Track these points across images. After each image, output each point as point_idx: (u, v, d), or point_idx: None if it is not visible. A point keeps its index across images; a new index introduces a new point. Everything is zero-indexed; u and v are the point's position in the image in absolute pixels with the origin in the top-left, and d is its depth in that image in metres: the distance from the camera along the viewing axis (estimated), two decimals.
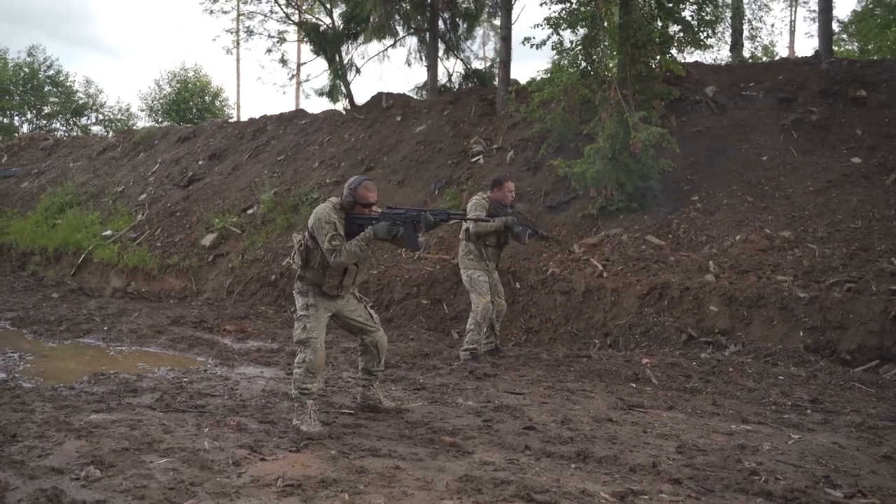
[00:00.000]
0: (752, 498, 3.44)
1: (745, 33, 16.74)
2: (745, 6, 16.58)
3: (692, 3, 9.93)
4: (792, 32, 25.42)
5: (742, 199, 9.23)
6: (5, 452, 3.85)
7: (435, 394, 5.47)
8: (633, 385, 5.95)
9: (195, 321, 8.81)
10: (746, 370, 6.43)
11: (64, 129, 27.62)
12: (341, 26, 15.17)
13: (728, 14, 17.08)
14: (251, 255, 11.86)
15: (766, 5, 18.13)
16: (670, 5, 9.59)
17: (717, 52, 18.46)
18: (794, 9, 24.26)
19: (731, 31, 16.51)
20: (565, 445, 4.19)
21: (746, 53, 16.84)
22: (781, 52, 24.44)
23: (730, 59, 15.75)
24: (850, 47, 22.15)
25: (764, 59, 19.86)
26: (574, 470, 3.79)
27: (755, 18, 17.04)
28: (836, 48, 18.13)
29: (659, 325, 7.95)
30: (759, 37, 17.28)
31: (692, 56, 12.92)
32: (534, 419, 4.73)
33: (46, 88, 27.62)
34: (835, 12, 16.58)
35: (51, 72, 27.75)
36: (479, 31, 16.66)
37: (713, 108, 10.91)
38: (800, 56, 14.59)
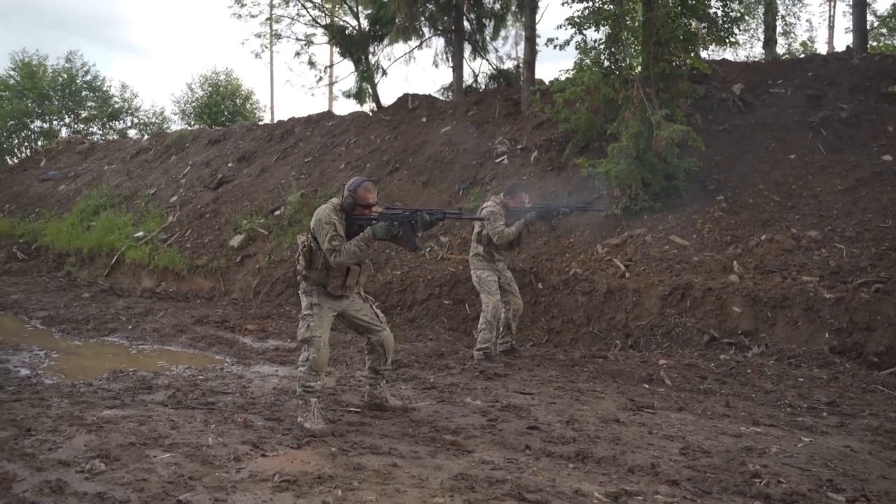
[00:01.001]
0: (750, 500, 3.40)
1: (779, 29, 16.49)
2: (778, 2, 16.34)
3: (717, 0, 9.81)
4: (831, 27, 24.93)
5: (768, 198, 9.08)
6: (18, 445, 3.99)
7: (444, 393, 5.50)
8: (647, 386, 5.90)
9: (218, 321, 8.97)
10: (765, 372, 6.34)
11: (100, 132, 28.26)
12: (367, 28, 15.29)
13: (760, 10, 16.88)
14: (278, 256, 12.03)
15: (799, 0, 17.78)
16: (693, 2, 9.47)
17: (750, 49, 18.23)
18: (832, 3, 23.80)
19: (763, 27, 16.30)
20: (566, 445, 4.18)
21: (780, 50, 16.56)
22: (820, 47, 23.99)
23: (762, 56, 15.54)
24: (890, 41, 21.61)
25: (802, 55, 19.51)
26: (571, 470, 3.78)
27: (788, 14, 16.72)
28: (874, 43, 17.74)
29: (681, 325, 7.87)
30: (793, 33, 16.95)
31: (720, 54, 12.81)
32: (539, 419, 4.73)
33: (84, 93, 28.29)
34: (874, 6, 16.21)
35: (88, 77, 28.42)
36: (511, 31, 16.68)
37: (740, 106, 10.75)
38: (833, 52, 14.31)
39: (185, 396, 5.30)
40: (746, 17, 17.07)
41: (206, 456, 3.86)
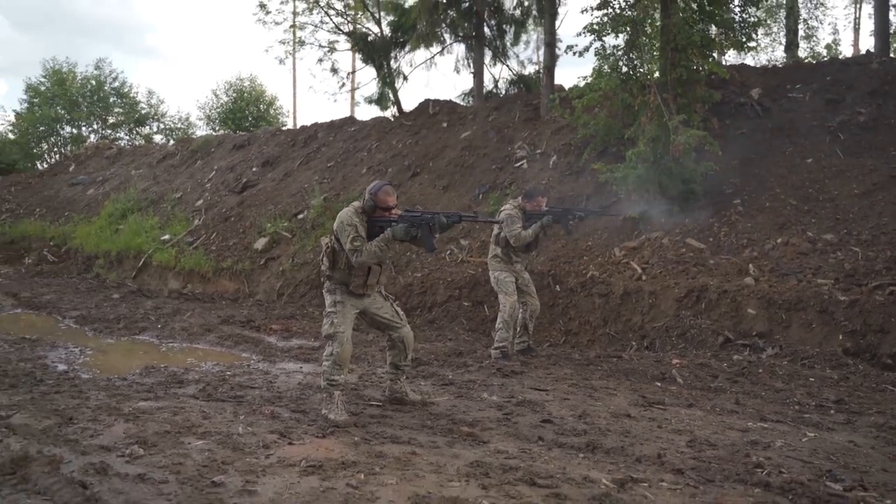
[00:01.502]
0: (750, 488, 3.59)
1: (801, 33, 16.54)
2: (801, 6, 16.39)
3: (735, 6, 9.96)
4: (856, 30, 24.87)
5: (785, 202, 9.21)
6: (62, 432, 4.29)
7: (462, 389, 5.74)
8: (659, 384, 6.09)
9: (244, 320, 9.28)
10: (777, 372, 6.50)
11: (128, 138, 28.92)
12: (389, 35, 15.60)
13: (782, 14, 16.95)
14: (301, 259, 12.32)
15: (822, 4, 17.81)
16: (710, 8, 9.63)
17: (772, 53, 18.29)
18: (858, 6, 23.75)
19: (785, 30, 16.38)
20: (578, 437, 4.40)
21: (802, 53, 16.61)
22: (845, 50, 23.93)
23: (785, 59, 15.61)
24: None
25: (825, 58, 19.51)
26: (581, 459, 4.00)
27: (811, 18, 16.76)
28: None
29: (696, 327, 8.02)
30: (815, 36, 16.98)
31: (742, 58, 12.91)
32: (553, 413, 4.95)
33: (112, 99, 28.98)
34: None
35: (116, 83, 29.12)
36: (533, 36, 16.91)
37: (758, 110, 10.88)
38: (853, 55, 14.35)
39: (214, 390, 5.58)
40: (766, 22, 17.19)
41: (237, 443, 4.12)
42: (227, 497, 3.32)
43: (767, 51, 19.31)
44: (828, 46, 22.28)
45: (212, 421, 4.59)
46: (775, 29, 18.51)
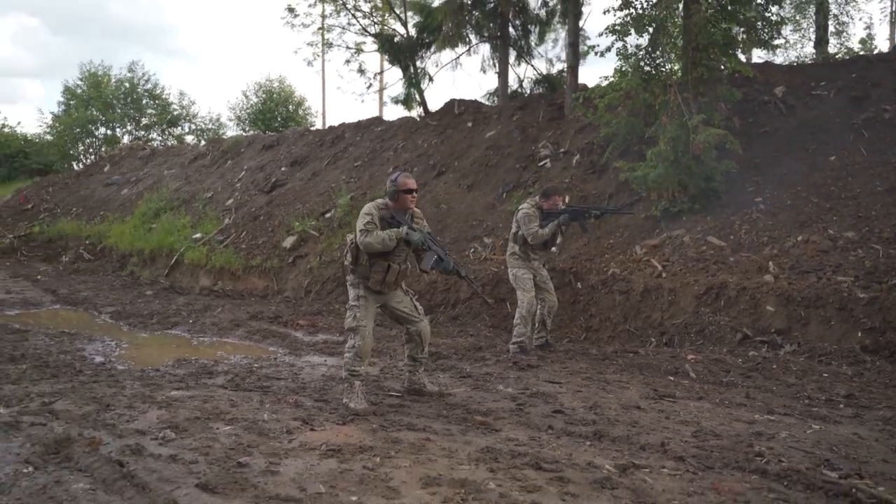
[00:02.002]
0: (748, 475, 3.77)
1: (831, 28, 16.42)
2: (831, 1, 16.27)
3: (758, 4, 10.02)
4: (893, 24, 24.49)
5: (807, 199, 9.28)
6: (101, 418, 4.62)
7: (479, 381, 5.97)
8: (672, 378, 6.26)
9: (272, 316, 9.61)
10: (791, 368, 6.62)
11: (160, 138, 29.63)
12: (415, 36, 15.86)
13: (812, 9, 16.85)
14: (328, 257, 12.63)
15: None
16: (732, 7, 9.72)
17: (801, 49, 18.19)
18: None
19: (815, 27, 16.28)
20: (586, 427, 4.61)
21: (833, 49, 16.49)
22: (881, 45, 23.62)
23: (814, 56, 15.54)
24: None
25: (861, 52, 19.32)
26: (588, 447, 4.21)
27: (842, 13, 16.63)
28: None
29: (714, 324, 8.15)
30: (846, 32, 16.83)
31: (769, 56, 12.95)
32: (564, 405, 5.16)
33: (144, 101, 29.73)
34: None
35: (148, 85, 29.86)
36: (560, 35, 17.01)
37: (782, 108, 10.94)
38: (886, 51, 14.26)
39: (242, 381, 5.89)
40: (791, 20, 17.11)
41: (262, 429, 4.41)
42: (251, 476, 3.58)
43: (797, 47, 19.18)
44: (862, 41, 22.02)
45: (239, 408, 4.88)
46: (805, 25, 18.38)
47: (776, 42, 10.37)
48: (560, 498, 3.41)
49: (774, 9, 10.14)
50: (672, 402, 5.33)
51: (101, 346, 7.53)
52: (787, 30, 17.38)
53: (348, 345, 5.16)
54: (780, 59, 17.77)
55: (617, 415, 4.91)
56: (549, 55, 17.13)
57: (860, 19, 41.66)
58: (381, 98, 26.67)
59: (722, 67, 9.82)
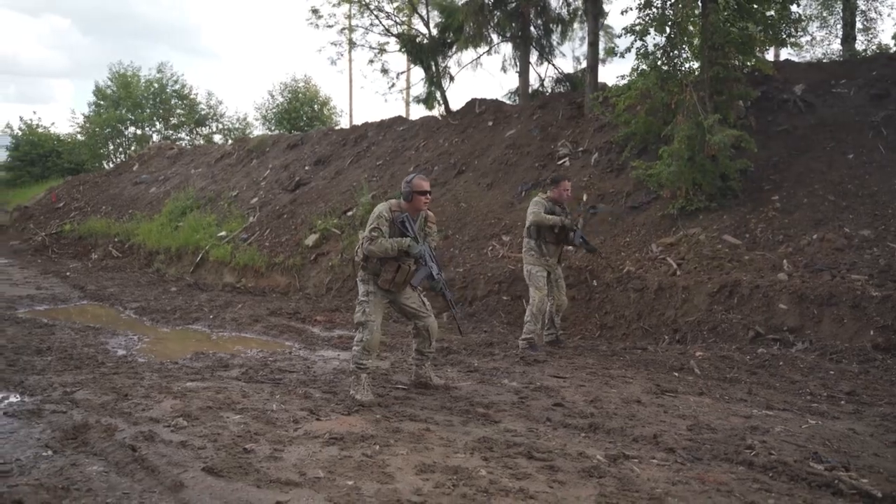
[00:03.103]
0: (735, 466, 3.90)
1: (858, 25, 16.25)
2: None
3: (775, 3, 10.03)
4: None
5: (823, 198, 9.29)
6: (118, 406, 4.88)
7: (485, 375, 6.15)
8: (676, 374, 6.37)
9: (291, 312, 9.87)
10: (798, 365, 6.68)
11: (188, 138, 30.19)
12: (437, 36, 16.05)
13: (839, 6, 16.70)
14: (349, 255, 12.85)
15: None
16: (750, 6, 9.74)
17: (828, 46, 18.02)
18: None
19: (841, 23, 16.15)
20: (584, 419, 4.75)
21: (860, 46, 16.32)
22: None
23: (841, 54, 15.42)
24: None
25: (893, 49, 19.09)
26: (582, 438, 4.36)
27: (869, 9, 16.43)
28: None
29: (727, 321, 8.21)
30: (874, 28, 16.59)
31: (791, 54, 12.91)
32: (566, 398, 5.31)
33: (173, 101, 30.31)
34: None
35: (177, 86, 30.42)
36: (582, 33, 17.10)
37: (801, 106, 10.93)
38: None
39: (255, 373, 6.13)
40: (817, 17, 16.95)
41: (270, 418, 4.63)
42: (255, 461, 3.80)
43: (823, 45, 18.97)
44: (895, 37, 21.70)
45: (250, 399, 5.11)
46: (831, 21, 18.18)
47: (800, 39, 10.38)
48: (548, 485, 3.57)
49: (793, 7, 10.13)
50: (673, 398, 5.45)
51: (124, 340, 7.84)
52: (813, 27, 17.22)
53: (356, 339, 5.36)
54: (806, 56, 17.64)
55: (616, 408, 5.05)
56: (578, 52, 17.17)
57: (889, 15, 40.85)
58: (407, 97, 26.95)
59: (736, 64, 9.84)
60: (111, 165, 27.36)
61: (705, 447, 4.19)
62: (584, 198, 11.23)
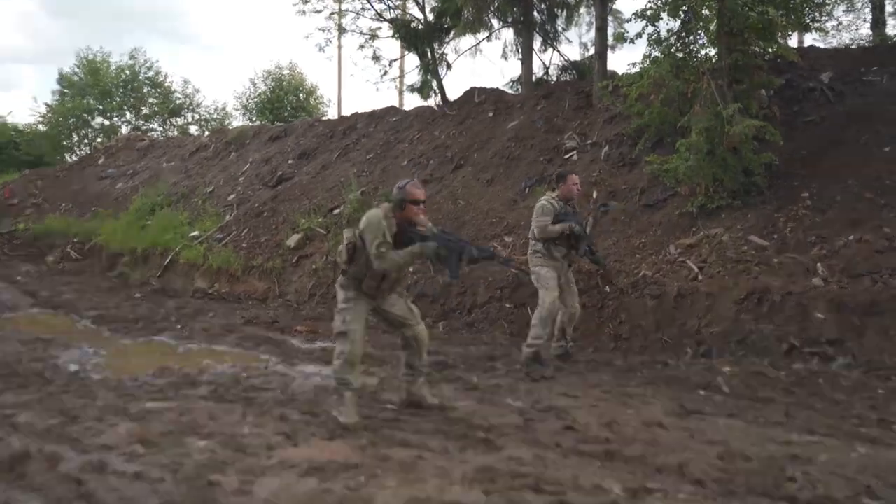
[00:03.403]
0: (776, 502, 3.64)
1: (888, 9, 16.09)
2: None
3: None
4: None
5: (859, 195, 9.06)
6: (65, 431, 4.64)
7: (486, 394, 5.91)
8: (702, 393, 6.12)
9: (268, 322, 9.64)
10: (841, 383, 6.44)
11: (161, 129, 29.94)
12: (433, 21, 15.86)
13: None
14: (335, 257, 12.62)
15: None
16: None
17: (856, 32, 17.90)
18: None
19: (870, 6, 15.96)
20: (598, 445, 4.50)
21: (891, 31, 16.20)
22: None
23: (871, 39, 15.25)
24: None
25: None
26: (598, 468, 4.11)
27: None
28: None
29: (757, 332, 7.94)
30: None
31: (818, 40, 12.76)
32: (577, 420, 5.06)
33: (146, 90, 30.05)
34: None
35: (150, 73, 30.18)
36: (589, 18, 16.95)
37: (829, 95, 10.73)
38: None
39: (226, 391, 5.88)
40: (838, 1, 16.76)
41: (241, 444, 4.38)
42: (221, 496, 3.54)
43: (850, 29, 18.84)
44: None
45: (218, 422, 4.85)
46: (859, 5, 18.04)
47: (825, 24, 10.20)
48: None
49: None
50: (699, 420, 5.20)
51: (78, 354, 7.58)
52: (839, 10, 17.06)
53: (337, 351, 5.12)
54: (833, 42, 17.49)
55: (635, 432, 4.80)
56: (582, 39, 17.10)
57: None
58: (401, 85, 26.77)
59: (758, 50, 9.65)
60: (75, 158, 27.04)
61: (739, 479, 3.94)
62: (595, 195, 11.01)
